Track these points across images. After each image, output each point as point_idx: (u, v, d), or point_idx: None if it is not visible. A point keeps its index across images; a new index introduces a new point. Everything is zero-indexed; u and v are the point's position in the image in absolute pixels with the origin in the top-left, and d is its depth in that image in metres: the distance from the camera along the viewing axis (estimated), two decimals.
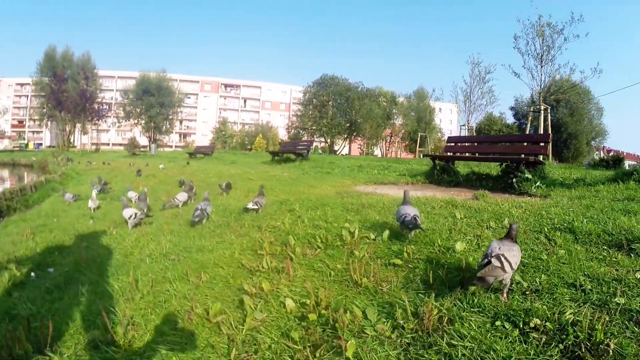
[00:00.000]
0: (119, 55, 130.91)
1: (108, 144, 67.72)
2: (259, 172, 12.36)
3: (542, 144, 7.89)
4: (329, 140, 53.01)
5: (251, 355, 2.03)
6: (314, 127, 51.82)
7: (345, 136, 54.47)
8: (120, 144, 63.89)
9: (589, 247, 2.98)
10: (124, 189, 8.37)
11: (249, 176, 10.76)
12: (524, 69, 21.86)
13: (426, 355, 1.86)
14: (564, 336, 1.86)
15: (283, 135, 62.43)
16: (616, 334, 1.84)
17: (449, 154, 9.59)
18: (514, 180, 7.06)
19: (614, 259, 2.71)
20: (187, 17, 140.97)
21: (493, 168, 9.14)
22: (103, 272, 3.24)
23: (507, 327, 1.97)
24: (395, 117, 57.20)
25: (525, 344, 1.84)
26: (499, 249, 2.24)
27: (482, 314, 2.10)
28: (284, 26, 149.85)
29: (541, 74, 20.94)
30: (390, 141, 60.19)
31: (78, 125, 45.08)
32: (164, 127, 52.56)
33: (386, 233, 3.36)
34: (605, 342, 1.79)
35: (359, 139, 55.86)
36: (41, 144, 62.06)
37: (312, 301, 2.32)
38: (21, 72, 62.52)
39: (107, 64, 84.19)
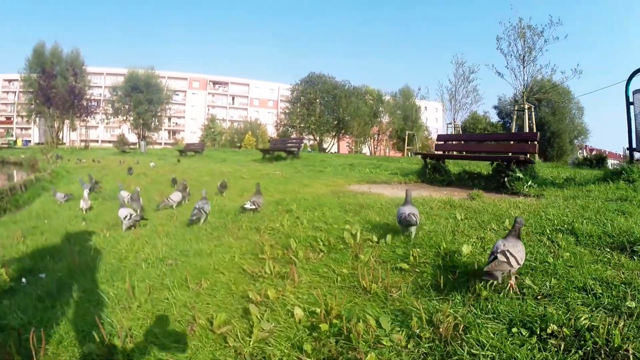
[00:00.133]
0: (108, 52, 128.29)
1: (97, 141, 66.46)
2: (250, 170, 12.17)
3: (530, 142, 7.86)
4: (317, 138, 52.86)
5: None
6: (302, 125, 51.62)
7: (334, 134, 54.37)
8: (109, 141, 62.81)
9: (592, 250, 2.94)
10: (116, 188, 8.11)
11: (242, 175, 10.58)
12: (507, 69, 22.06)
13: None
14: (582, 342, 1.81)
15: (272, 132, 62.04)
16: (632, 338, 1.79)
17: (439, 152, 9.53)
18: (506, 179, 7.03)
19: (619, 262, 2.67)
20: (176, 15, 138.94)
21: (483, 167, 9.12)
22: (97, 278, 3.06)
23: (523, 333, 1.90)
24: (382, 115, 57.26)
25: (545, 351, 1.78)
26: (504, 245, 2.32)
27: (497, 320, 2.02)
28: (272, 25, 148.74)
29: (524, 74, 21.21)
30: (378, 139, 60.22)
31: (67, 122, 44.16)
32: (153, 124, 51.87)
33: (389, 236, 3.27)
34: (624, 348, 1.74)
35: (347, 137, 55.81)
36: (30, 141, 60.66)
37: (322, 310, 2.18)
38: (9, 68, 60.79)
39: (96, 61, 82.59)
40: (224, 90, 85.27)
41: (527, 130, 19.67)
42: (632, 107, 6.17)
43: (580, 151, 45.06)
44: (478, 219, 3.92)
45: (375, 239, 3.33)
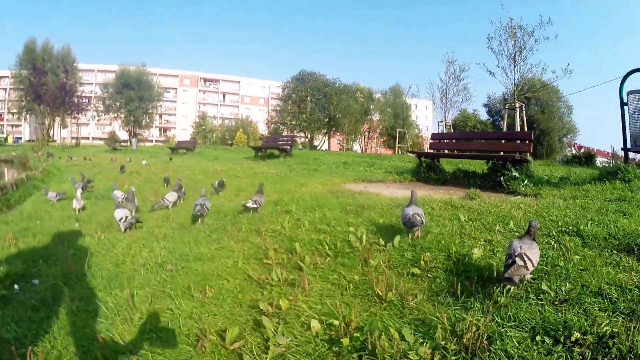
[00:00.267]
0: (99, 48, 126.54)
1: (88, 138, 65.44)
2: (244, 168, 11.97)
3: (526, 141, 7.82)
4: (308, 136, 52.64)
5: None
6: (293, 122, 51.34)
7: (325, 131, 54.18)
8: (100, 138, 61.87)
9: (600, 252, 2.89)
10: (108, 187, 7.90)
11: (236, 173, 10.38)
12: (498, 68, 21.97)
13: None
14: (606, 350, 1.76)
15: (263, 130, 61.67)
16: None
17: (434, 151, 9.46)
18: (502, 178, 6.98)
19: (628, 265, 2.63)
20: (167, 11, 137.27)
21: (478, 165, 9.09)
22: (94, 285, 2.88)
23: (547, 342, 1.83)
24: (373, 112, 57.18)
25: None
26: (520, 247, 2.26)
27: (519, 329, 1.94)
28: (263, 23, 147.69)
29: (514, 73, 21.14)
30: (368, 137, 60.18)
31: (57, 119, 43.32)
32: (144, 121, 51.11)
33: (397, 239, 3.15)
34: None
35: (338, 134, 55.64)
36: (20, 138, 59.48)
37: (341, 322, 2.05)
38: None
39: (87, 58, 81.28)
40: (215, 87, 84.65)
41: (518, 129, 19.64)
42: (626, 107, 6.15)
43: (568, 149, 45.42)
44: (482, 220, 3.85)
45: (382, 242, 3.21)
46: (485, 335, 1.89)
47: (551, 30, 33.64)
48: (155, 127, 65.61)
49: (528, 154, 7.82)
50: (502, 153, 8.18)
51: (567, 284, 2.31)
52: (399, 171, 9.95)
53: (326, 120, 51.99)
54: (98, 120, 54.99)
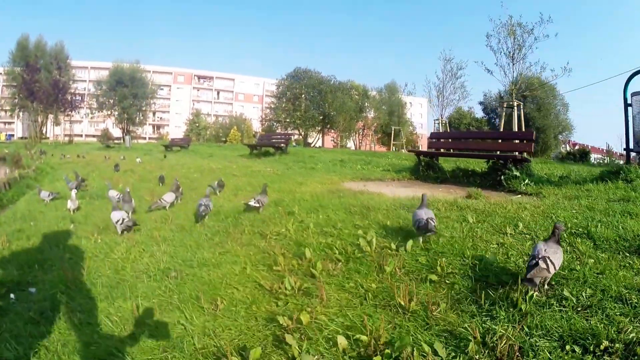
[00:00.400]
0: (92, 45, 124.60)
1: (81, 135, 64.73)
2: (240, 166, 11.80)
3: (527, 141, 7.76)
4: (302, 133, 52.39)
5: None
6: (287, 120, 51.09)
7: (319, 129, 53.97)
8: (94, 135, 61.19)
9: (612, 255, 2.83)
10: (103, 187, 7.69)
11: (232, 172, 10.19)
12: (497, 66, 21.80)
13: None
14: (635, 357, 1.71)
15: (257, 127, 61.34)
16: None
17: (433, 150, 9.37)
18: (503, 177, 6.93)
19: None
20: (161, 8, 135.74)
21: (477, 164, 9.01)
22: (95, 294, 2.71)
23: (577, 350, 1.78)
24: (368, 110, 57.01)
25: None
26: (545, 250, 2.25)
27: (547, 338, 1.87)
28: (257, 19, 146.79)
29: (513, 71, 21.01)
30: (363, 134, 60.02)
31: (50, 116, 42.74)
32: (138, 118, 50.49)
33: (410, 243, 3.04)
34: None
35: (333, 131, 55.45)
36: (13, 135, 58.64)
37: (370, 338, 1.92)
38: None
39: (81, 54, 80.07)
40: (209, 84, 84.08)
41: (516, 127, 19.55)
42: (630, 108, 6.12)
43: (563, 146, 45.57)
44: (490, 222, 3.76)
45: (393, 246, 3.10)
46: (517, 346, 1.81)
47: (551, 28, 33.44)
48: (149, 124, 64.93)
49: (527, 153, 7.76)
50: (506, 152, 8.13)
51: (588, 290, 2.25)
52: (397, 169, 9.86)
53: (320, 117, 51.76)
54: (91, 118, 54.36)
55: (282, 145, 16.44)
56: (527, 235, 3.36)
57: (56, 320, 2.40)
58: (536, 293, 2.22)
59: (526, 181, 6.61)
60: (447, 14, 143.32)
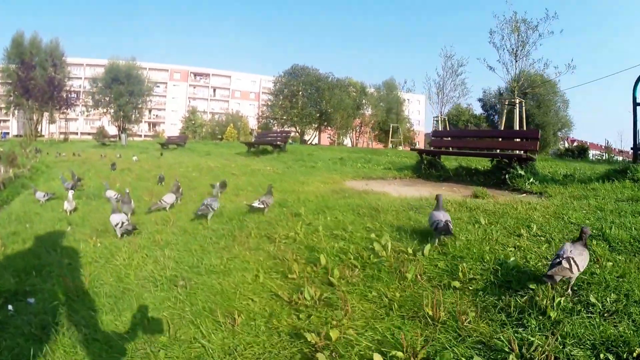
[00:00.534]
0: (88, 42, 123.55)
1: (76, 133, 64.06)
2: (239, 165, 11.62)
3: (532, 139, 7.69)
4: (299, 130, 52.16)
5: None
6: (284, 117, 50.85)
7: (316, 126, 53.78)
8: (89, 133, 60.69)
9: (629, 257, 2.75)
10: (100, 186, 7.52)
11: (231, 171, 10.01)
12: (500, 63, 21.51)
13: None
14: None
15: (253, 124, 61.08)
16: None
17: (435, 148, 9.28)
18: (507, 176, 6.86)
19: None
20: (157, 5, 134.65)
21: (479, 162, 8.91)
22: (99, 306, 2.53)
23: (611, 359, 1.72)
24: (365, 107, 56.82)
25: None
26: (570, 251, 2.25)
27: (581, 347, 1.81)
28: (254, 16, 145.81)
29: (516, 68, 20.75)
30: (360, 131, 59.86)
31: (46, 114, 42.29)
32: (133, 116, 50.14)
33: (427, 248, 2.92)
34: None
35: (329, 129, 55.27)
36: (8, 133, 58.00)
37: (406, 354, 1.79)
38: None
39: (76, 51, 78.73)
40: (205, 82, 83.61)
41: (517, 124, 19.33)
42: (639, 108, 6.07)
43: (561, 142, 45.63)
44: (503, 223, 3.67)
45: (409, 250, 2.97)
46: (553, 357, 1.73)
47: (556, 24, 33.09)
48: (145, 122, 64.45)
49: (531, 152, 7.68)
50: (511, 151, 8.07)
51: (612, 295, 2.19)
52: (398, 167, 9.76)
53: (318, 115, 51.54)
54: (87, 115, 53.96)
55: (281, 143, 16.25)
56: (542, 238, 3.26)
57: (59, 336, 2.21)
58: (562, 299, 2.14)
59: (531, 180, 6.56)
60: (447, 10, 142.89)
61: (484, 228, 3.51)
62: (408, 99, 59.74)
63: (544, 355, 1.71)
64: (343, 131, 56.26)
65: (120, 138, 34.16)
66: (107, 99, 47.38)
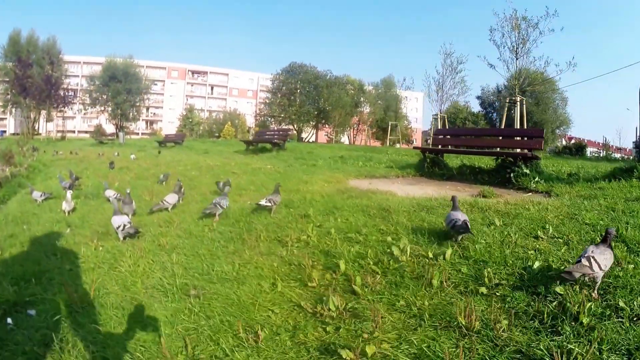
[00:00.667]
0: (85, 40, 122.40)
1: (74, 132, 63.50)
2: (239, 163, 11.42)
3: (536, 138, 7.58)
4: (297, 128, 51.85)
5: None
6: (282, 115, 50.54)
7: (314, 124, 53.48)
8: (86, 131, 60.18)
9: None
10: (98, 185, 7.33)
11: (231, 169, 9.82)
12: (500, 60, 21.29)
13: None
14: None
15: (251, 122, 60.73)
16: None
17: (438, 146, 9.16)
18: (512, 175, 6.75)
19: None
20: (154, 2, 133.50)
21: (482, 161, 8.80)
22: (106, 319, 2.32)
23: None
24: (363, 105, 56.52)
25: None
26: (592, 251, 2.28)
27: (617, 353, 1.75)
28: (252, 14, 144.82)
29: (516, 66, 20.56)
30: (357, 129, 59.59)
31: (43, 112, 41.80)
32: (131, 114, 49.62)
33: (449, 252, 2.78)
34: None
35: (327, 126, 54.97)
36: (5, 131, 57.32)
37: None
38: None
39: (73, 49, 77.72)
40: (203, 80, 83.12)
41: (518, 123, 19.12)
42: None
43: (559, 140, 45.58)
44: (518, 225, 3.55)
45: (430, 254, 2.83)
46: None
47: (557, 22, 32.85)
48: (142, 120, 63.95)
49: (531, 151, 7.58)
50: (515, 150, 7.97)
51: (638, 298, 2.14)
52: (400, 165, 9.63)
53: (316, 113, 51.25)
54: (84, 114, 53.25)
55: (280, 141, 16.05)
56: (559, 240, 3.15)
57: (64, 354, 2.00)
58: (592, 304, 2.09)
59: (536, 179, 6.47)
60: (446, 7, 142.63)
61: (500, 230, 3.40)
62: (406, 97, 59.40)
63: None
64: (341, 129, 55.97)
65: (117, 136, 33.76)
66: (105, 97, 46.84)
